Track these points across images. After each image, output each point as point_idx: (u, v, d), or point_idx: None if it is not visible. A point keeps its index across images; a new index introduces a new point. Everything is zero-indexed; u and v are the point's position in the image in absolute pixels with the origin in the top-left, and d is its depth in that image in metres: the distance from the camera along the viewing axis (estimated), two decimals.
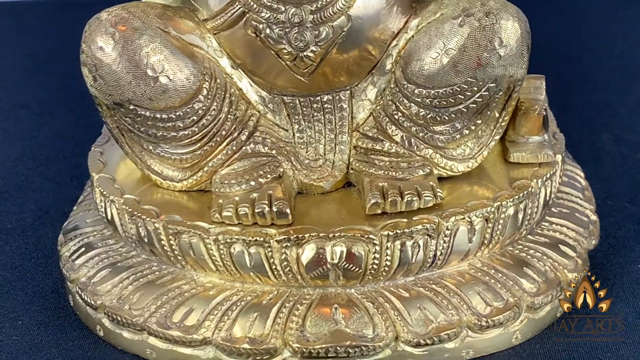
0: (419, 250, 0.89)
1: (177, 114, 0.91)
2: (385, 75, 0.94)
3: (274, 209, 0.88)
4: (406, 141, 0.93)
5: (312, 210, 0.92)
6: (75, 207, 1.09)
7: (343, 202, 0.93)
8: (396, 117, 0.93)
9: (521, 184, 0.94)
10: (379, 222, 0.89)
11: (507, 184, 0.94)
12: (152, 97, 0.89)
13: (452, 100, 0.90)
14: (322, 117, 0.95)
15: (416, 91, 0.91)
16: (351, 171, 0.95)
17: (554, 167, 0.97)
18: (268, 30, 0.90)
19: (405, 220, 0.89)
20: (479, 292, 0.91)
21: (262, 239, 0.88)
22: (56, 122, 1.40)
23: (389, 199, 0.89)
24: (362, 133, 0.95)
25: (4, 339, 0.96)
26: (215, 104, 0.92)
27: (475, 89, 0.90)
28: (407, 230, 0.88)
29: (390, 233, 0.88)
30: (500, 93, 0.91)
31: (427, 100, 0.91)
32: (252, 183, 0.91)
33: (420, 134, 0.93)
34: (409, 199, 0.89)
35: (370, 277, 0.90)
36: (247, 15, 0.90)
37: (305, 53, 0.91)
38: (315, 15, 0.89)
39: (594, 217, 1.04)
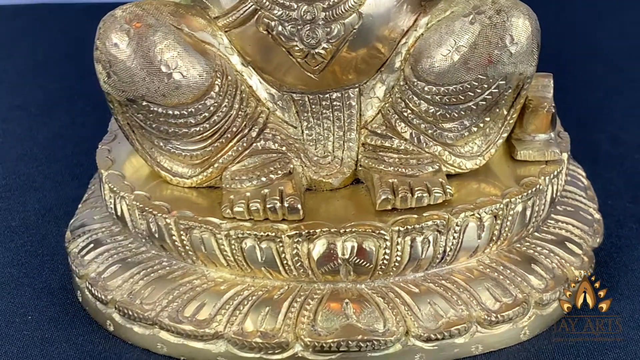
0: (428, 246, 0.90)
1: (189, 110, 0.91)
2: (394, 73, 0.95)
3: (286, 205, 0.89)
4: (415, 138, 0.94)
5: (321, 207, 0.92)
6: (80, 205, 1.09)
7: (352, 198, 0.94)
8: (405, 114, 0.94)
9: (529, 181, 0.95)
10: (389, 218, 0.89)
11: (514, 182, 0.95)
12: (165, 93, 0.90)
13: (462, 98, 0.91)
14: (331, 115, 0.96)
15: (426, 88, 0.92)
16: (360, 168, 0.95)
17: (561, 165, 0.98)
18: (280, 28, 0.91)
19: (416, 216, 0.89)
20: (488, 288, 0.91)
21: (273, 234, 0.88)
22: (55, 122, 1.40)
23: (400, 195, 0.90)
24: (371, 130, 0.95)
25: (15, 334, 0.96)
26: (226, 100, 0.92)
27: (485, 86, 0.90)
28: (417, 226, 0.89)
29: (401, 229, 0.88)
30: (510, 90, 0.91)
31: (436, 98, 0.91)
32: (263, 179, 0.92)
33: (429, 131, 0.94)
34: (419, 195, 0.90)
35: (380, 273, 0.90)
36: (259, 12, 0.91)
37: (316, 50, 0.91)
38: (327, 13, 0.90)
39: (597, 216, 1.05)
